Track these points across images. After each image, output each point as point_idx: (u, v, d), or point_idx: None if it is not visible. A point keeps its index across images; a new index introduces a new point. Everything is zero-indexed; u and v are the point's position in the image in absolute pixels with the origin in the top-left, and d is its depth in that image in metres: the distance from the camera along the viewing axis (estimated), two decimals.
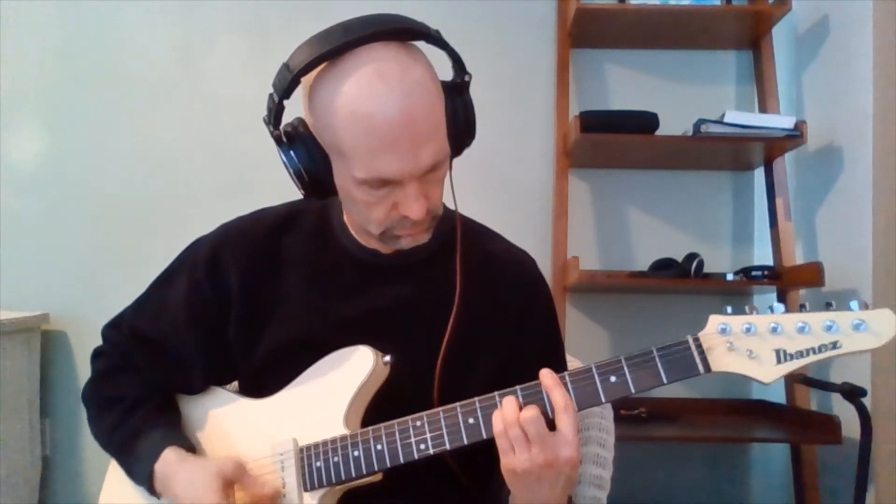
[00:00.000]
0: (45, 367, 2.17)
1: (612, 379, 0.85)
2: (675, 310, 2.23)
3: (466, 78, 0.90)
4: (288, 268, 1.01)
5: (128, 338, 1.09)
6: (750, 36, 2.18)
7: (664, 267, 2.05)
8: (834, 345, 0.76)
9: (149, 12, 2.26)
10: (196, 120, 2.26)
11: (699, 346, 0.82)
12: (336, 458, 0.91)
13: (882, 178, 1.69)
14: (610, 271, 2.22)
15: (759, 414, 2.13)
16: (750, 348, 0.79)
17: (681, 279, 1.99)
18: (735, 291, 2.21)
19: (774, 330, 0.78)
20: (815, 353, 0.77)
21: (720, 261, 2.22)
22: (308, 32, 0.88)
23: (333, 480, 0.92)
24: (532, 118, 2.24)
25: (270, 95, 0.89)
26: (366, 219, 0.91)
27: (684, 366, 0.82)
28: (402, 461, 0.89)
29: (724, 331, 0.81)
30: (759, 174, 2.21)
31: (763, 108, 2.15)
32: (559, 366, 0.99)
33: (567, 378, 0.85)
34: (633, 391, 0.84)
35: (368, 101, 0.81)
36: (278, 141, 0.90)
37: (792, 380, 1.98)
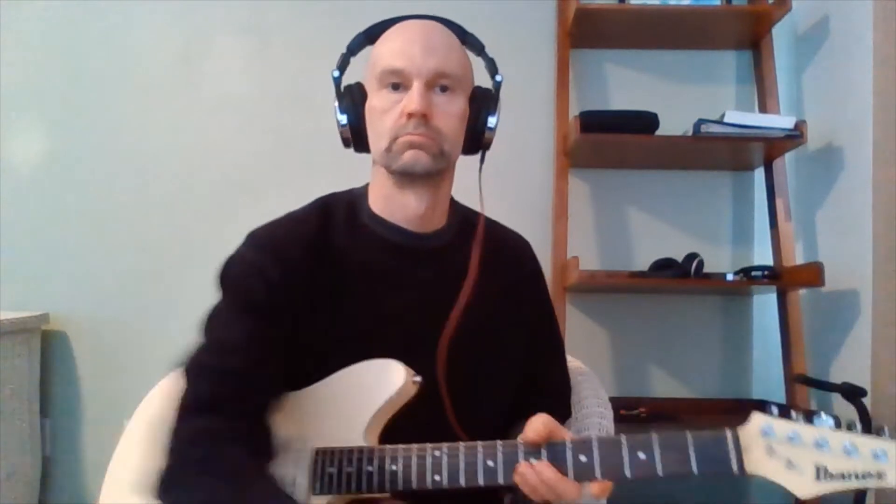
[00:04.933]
0: (45, 367, 2.17)
1: (641, 455, 0.82)
2: (675, 310, 2.23)
3: (498, 78, 1.06)
4: (339, 263, 1.02)
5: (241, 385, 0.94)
6: (750, 36, 2.18)
7: (664, 267, 2.05)
8: (879, 475, 0.73)
9: (149, 12, 2.27)
10: (196, 120, 2.26)
11: (737, 443, 0.79)
12: (349, 469, 0.92)
13: (882, 178, 1.69)
14: (610, 271, 2.22)
15: None
16: (790, 458, 0.76)
17: (681, 279, 1.99)
18: (735, 291, 2.22)
19: (819, 445, 0.75)
20: (857, 478, 0.74)
21: (720, 261, 2.22)
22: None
23: (343, 490, 0.91)
24: (532, 118, 2.24)
25: (343, 55, 1.07)
26: (379, 131, 0.99)
27: (717, 460, 0.79)
28: (413, 488, 0.89)
29: (765, 433, 0.78)
30: (759, 174, 2.21)
31: (763, 109, 2.15)
32: (559, 342, 1.16)
33: (594, 443, 0.85)
34: (660, 473, 0.81)
35: (400, 25, 1.02)
36: (337, 85, 1.04)
37: (792, 379, 1.98)
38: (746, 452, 0.78)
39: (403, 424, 0.96)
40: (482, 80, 1.06)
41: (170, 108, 2.27)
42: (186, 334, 2.43)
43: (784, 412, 0.79)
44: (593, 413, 1.17)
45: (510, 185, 2.23)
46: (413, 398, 0.96)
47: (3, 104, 2.25)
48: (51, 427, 2.21)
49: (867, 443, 0.74)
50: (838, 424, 0.76)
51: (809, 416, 0.78)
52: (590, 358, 1.41)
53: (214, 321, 0.99)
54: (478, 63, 1.06)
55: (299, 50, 2.24)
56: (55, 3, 2.27)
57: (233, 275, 1.00)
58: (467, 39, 1.06)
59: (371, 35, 1.05)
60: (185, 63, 2.27)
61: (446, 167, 1.02)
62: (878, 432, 0.75)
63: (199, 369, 0.94)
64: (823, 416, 0.77)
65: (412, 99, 0.95)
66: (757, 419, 0.79)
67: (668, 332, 2.23)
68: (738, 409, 2.15)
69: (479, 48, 1.07)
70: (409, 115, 0.95)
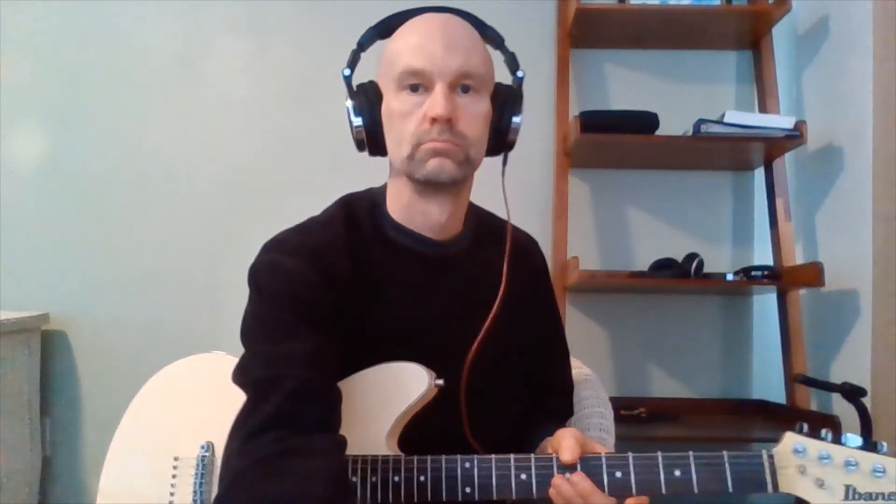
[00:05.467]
0: (45, 367, 2.17)
1: (677, 473, 0.83)
2: (675, 310, 2.23)
3: (520, 74, 1.00)
4: (366, 270, 0.99)
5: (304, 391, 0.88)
6: (750, 36, 2.18)
7: (664, 267, 2.05)
8: None
9: (149, 12, 2.26)
10: (196, 120, 2.26)
11: (772, 464, 0.81)
12: (374, 479, 0.88)
13: (882, 178, 1.69)
14: (610, 271, 2.22)
15: (759, 414, 2.13)
16: (821, 477, 0.79)
17: (681, 279, 1.99)
18: (735, 291, 2.22)
19: (849, 465, 0.78)
20: (884, 498, 0.76)
21: (720, 261, 2.22)
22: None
23: (368, 499, 0.88)
24: (532, 118, 2.23)
25: (353, 51, 1.01)
26: (400, 137, 0.93)
27: (752, 479, 0.81)
28: (444, 499, 0.87)
29: (798, 452, 0.80)
30: (759, 174, 2.21)
31: (763, 108, 2.15)
32: (564, 340, 1.15)
33: (630, 459, 0.85)
34: (695, 490, 0.82)
35: (418, 19, 0.96)
36: (349, 83, 0.98)
37: (792, 379, 1.98)
38: (780, 472, 0.80)
39: (416, 429, 0.94)
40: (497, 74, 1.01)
41: (170, 108, 2.27)
42: (187, 334, 2.42)
43: (814, 431, 0.81)
44: (593, 413, 1.17)
45: (510, 184, 2.21)
46: (431, 404, 0.93)
47: (4, 104, 2.25)
48: (51, 427, 2.21)
49: (895, 464, 0.76)
50: (865, 444, 0.78)
51: (837, 436, 0.80)
52: (590, 358, 1.41)
53: (267, 332, 0.91)
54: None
55: (300, 50, 2.24)
56: (55, 3, 2.27)
57: (276, 284, 0.93)
58: (487, 33, 1.00)
59: (383, 29, 0.99)
60: (186, 63, 2.27)
61: (471, 173, 0.98)
62: None
63: (266, 384, 0.86)
64: (850, 435, 0.79)
65: (436, 103, 0.89)
66: (790, 438, 0.81)
67: (668, 332, 2.23)
68: (739, 410, 2.15)
69: (498, 42, 1.01)
70: (433, 120, 0.90)
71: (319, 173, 2.19)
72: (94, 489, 1.08)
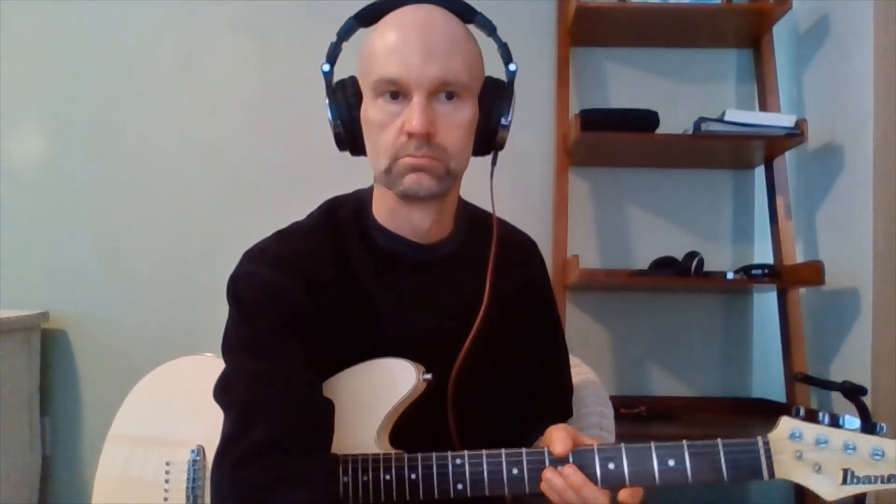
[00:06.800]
0: (45, 367, 2.17)
1: (671, 462, 0.83)
2: (675, 308, 2.23)
3: (512, 67, 0.94)
4: (352, 277, 0.96)
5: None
6: (750, 34, 2.17)
7: (664, 265, 2.05)
8: None
9: (149, 12, 2.26)
10: (196, 120, 2.26)
11: (768, 450, 0.80)
12: (365, 478, 0.87)
13: (882, 177, 1.69)
14: (610, 270, 2.22)
15: (759, 413, 2.13)
16: (818, 462, 0.77)
17: (681, 277, 1.99)
18: (735, 290, 2.22)
19: (847, 448, 0.76)
20: (883, 482, 0.75)
21: (720, 259, 2.22)
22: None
23: (360, 500, 0.88)
24: (532, 117, 2.23)
25: (333, 44, 0.95)
26: (377, 148, 0.89)
27: (748, 467, 0.80)
28: (436, 497, 0.86)
29: (794, 436, 0.79)
30: (759, 173, 2.21)
31: (763, 107, 2.15)
32: (564, 342, 1.11)
33: (623, 450, 0.84)
34: (690, 480, 0.81)
35: (397, 15, 0.90)
36: (328, 80, 0.93)
37: (792, 378, 1.98)
38: (776, 458, 0.79)
39: (406, 434, 0.93)
40: (489, 59, 0.96)
41: (170, 108, 2.26)
42: (187, 334, 2.42)
43: (811, 415, 0.79)
44: (594, 412, 1.17)
45: (510, 183, 2.23)
46: (420, 411, 0.92)
47: (4, 104, 2.25)
48: (51, 426, 2.21)
49: (894, 446, 0.75)
50: (864, 427, 0.77)
51: (835, 418, 0.79)
52: (590, 356, 1.42)
53: (249, 348, 0.89)
54: (486, 45, 0.95)
55: (300, 49, 2.23)
56: (55, 3, 2.26)
57: (256, 297, 0.90)
58: (476, 20, 0.93)
59: (363, 18, 0.94)
60: (186, 63, 2.27)
61: (453, 184, 0.94)
62: None
63: (251, 407, 0.84)
64: (848, 417, 0.78)
65: (412, 117, 0.84)
66: (785, 423, 0.79)
67: (668, 330, 2.23)
68: (739, 409, 2.15)
69: (490, 30, 0.93)
70: (410, 135, 0.85)
71: (320, 173, 2.18)
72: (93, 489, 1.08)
